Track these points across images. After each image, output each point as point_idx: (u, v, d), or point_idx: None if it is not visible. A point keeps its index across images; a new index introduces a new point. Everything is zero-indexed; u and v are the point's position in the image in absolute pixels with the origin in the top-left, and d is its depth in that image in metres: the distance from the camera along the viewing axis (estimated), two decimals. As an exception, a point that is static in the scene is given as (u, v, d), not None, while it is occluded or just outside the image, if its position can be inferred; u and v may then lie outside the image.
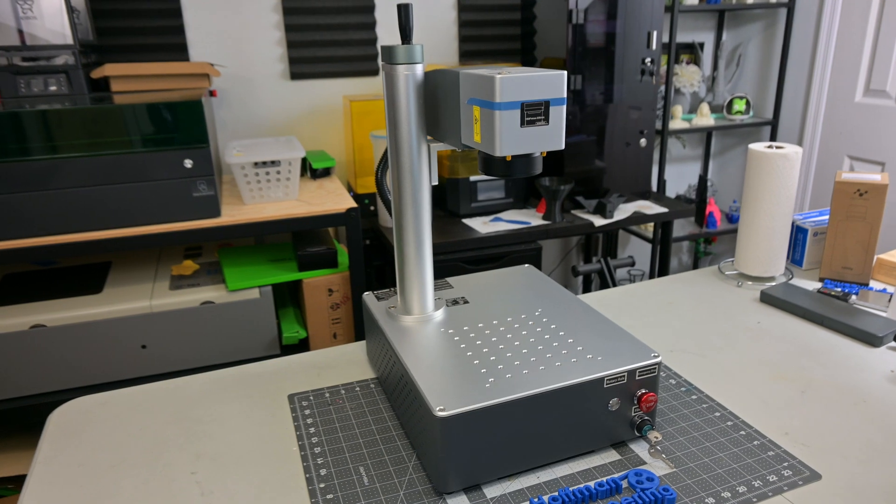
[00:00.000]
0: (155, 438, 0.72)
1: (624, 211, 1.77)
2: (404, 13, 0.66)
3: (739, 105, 2.31)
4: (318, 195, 1.53)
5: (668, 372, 0.82)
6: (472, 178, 1.75)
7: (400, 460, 0.67)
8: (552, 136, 0.59)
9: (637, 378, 0.65)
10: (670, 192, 2.68)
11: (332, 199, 1.48)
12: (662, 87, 2.15)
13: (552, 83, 0.57)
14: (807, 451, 0.65)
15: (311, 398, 0.81)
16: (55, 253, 1.26)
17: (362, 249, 1.43)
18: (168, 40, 1.79)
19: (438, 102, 0.68)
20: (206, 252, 1.64)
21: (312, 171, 1.71)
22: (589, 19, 1.66)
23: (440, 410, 0.58)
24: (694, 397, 0.76)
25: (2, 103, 1.34)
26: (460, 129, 0.64)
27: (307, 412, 0.78)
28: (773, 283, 1.09)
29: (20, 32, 1.45)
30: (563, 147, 0.59)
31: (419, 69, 0.68)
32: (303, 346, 1.50)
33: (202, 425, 0.75)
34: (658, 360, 0.65)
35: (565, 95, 0.58)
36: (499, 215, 1.77)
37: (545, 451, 0.64)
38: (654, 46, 1.72)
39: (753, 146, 1.07)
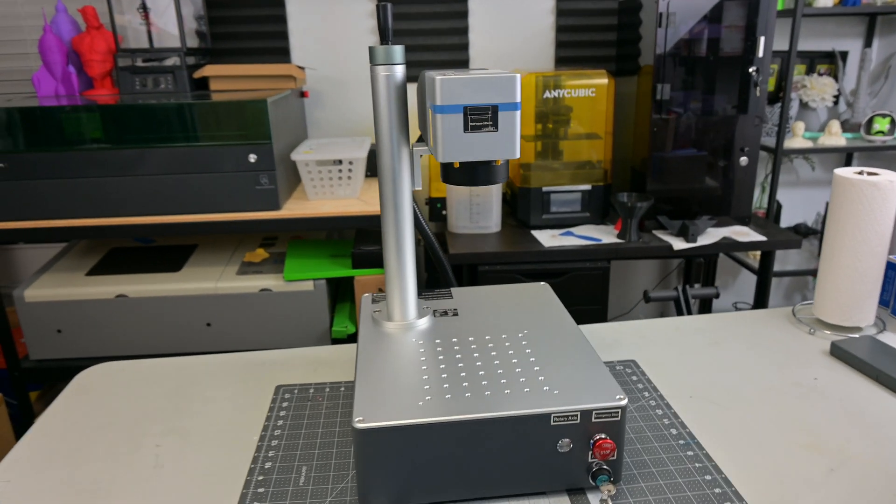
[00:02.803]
0: (146, 409, 0.77)
1: (711, 235, 1.60)
2: (382, 13, 0.64)
3: (881, 124, 1.99)
4: (382, 196, 1.56)
5: (672, 420, 0.72)
6: (546, 188, 1.68)
7: (344, 467, 0.66)
8: (503, 143, 0.54)
9: (594, 420, 0.57)
10: (792, 219, 2.38)
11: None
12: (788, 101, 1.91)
13: (501, 86, 0.52)
14: (800, 540, 0.54)
15: (296, 392, 0.82)
16: (132, 232, 1.41)
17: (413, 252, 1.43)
18: (273, 44, 1.93)
19: (425, 106, 0.66)
20: (280, 242, 1.74)
21: (386, 172, 1.75)
22: (681, 23, 1.52)
23: (359, 421, 0.56)
24: (690, 453, 0.66)
25: (119, 97, 1.53)
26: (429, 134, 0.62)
27: (285, 405, 0.79)
28: (855, 336, 0.92)
29: (149, 36, 1.65)
30: (516, 156, 0.54)
31: (399, 70, 0.66)
32: (351, 341, 1.53)
33: (190, 403, 0.79)
34: (622, 403, 0.58)
35: (517, 100, 0.53)
36: (571, 229, 1.69)
37: (484, 484, 0.59)
38: (760, 54, 1.53)
39: (840, 171, 0.91)
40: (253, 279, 1.48)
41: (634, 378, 0.83)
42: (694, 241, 1.54)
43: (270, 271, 1.53)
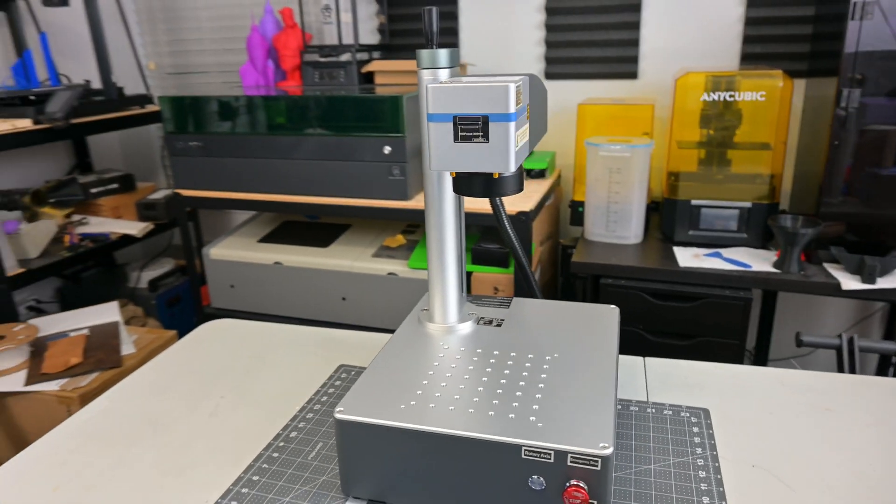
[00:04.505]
0: (231, 365, 0.89)
1: (902, 277, 1.29)
2: (428, 17, 0.65)
3: None
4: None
5: (710, 487, 0.63)
6: (695, 200, 1.51)
7: (352, 452, 0.69)
8: (494, 155, 0.52)
9: (570, 463, 0.53)
10: None
11: (519, 200, 1.49)
12: None
13: (493, 96, 0.50)
14: None
15: (353, 373, 0.88)
16: (291, 209, 1.61)
17: (530, 254, 1.40)
18: (443, 40, 2.02)
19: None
20: (420, 231, 1.83)
21: (527, 171, 1.73)
22: (891, 14, 1.23)
23: (339, 412, 0.59)
24: (711, 529, 0.57)
25: (302, 90, 1.75)
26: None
27: (337, 383, 0.85)
28: None
29: (338, 33, 1.85)
30: (511, 170, 0.52)
31: (444, 75, 0.66)
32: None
33: (265, 366, 0.89)
34: (605, 453, 0.52)
35: (511, 111, 0.50)
36: (720, 250, 1.49)
37: (457, 500, 0.58)
38: None
39: None
40: (384, 262, 1.60)
41: (695, 430, 0.73)
42: (871, 281, 1.25)
43: (401, 257, 1.62)
